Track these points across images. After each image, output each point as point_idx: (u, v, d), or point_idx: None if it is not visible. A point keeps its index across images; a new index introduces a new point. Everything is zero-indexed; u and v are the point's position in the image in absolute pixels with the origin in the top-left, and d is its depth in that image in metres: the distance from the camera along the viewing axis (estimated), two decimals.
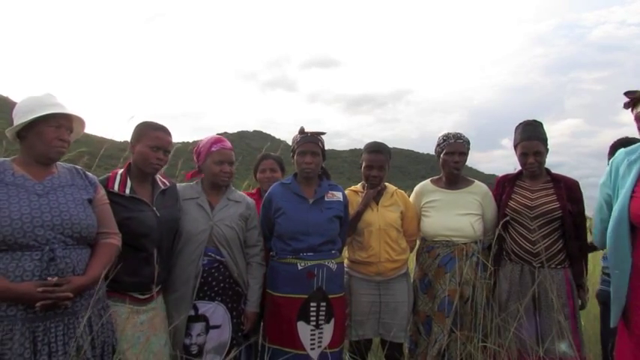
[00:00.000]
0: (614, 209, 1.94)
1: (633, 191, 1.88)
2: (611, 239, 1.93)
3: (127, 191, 2.23)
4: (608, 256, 2.02)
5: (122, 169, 2.32)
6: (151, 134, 2.29)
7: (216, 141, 2.58)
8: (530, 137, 2.66)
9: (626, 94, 1.87)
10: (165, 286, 2.41)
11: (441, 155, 2.87)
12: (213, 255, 2.44)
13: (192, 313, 2.39)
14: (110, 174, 2.26)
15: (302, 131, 2.66)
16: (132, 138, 2.34)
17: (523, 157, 2.70)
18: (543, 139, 2.68)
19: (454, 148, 2.82)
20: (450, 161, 2.82)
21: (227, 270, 2.46)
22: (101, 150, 3.46)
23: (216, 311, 2.43)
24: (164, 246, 2.30)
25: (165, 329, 2.32)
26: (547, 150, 2.71)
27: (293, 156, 2.69)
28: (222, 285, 2.46)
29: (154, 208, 2.27)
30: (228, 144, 2.60)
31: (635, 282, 1.84)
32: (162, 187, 2.40)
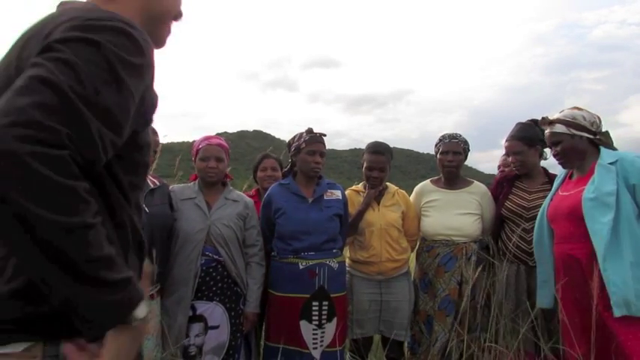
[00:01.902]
0: (540, 210, 2.47)
1: (552, 198, 2.40)
2: (535, 234, 2.46)
3: None
4: (534, 250, 2.49)
5: None
6: None
7: (203, 139, 2.62)
8: (511, 138, 2.77)
9: (542, 119, 2.36)
10: (164, 288, 2.41)
11: (437, 155, 2.93)
12: (210, 254, 2.44)
13: (191, 313, 2.40)
14: None
15: (310, 131, 2.66)
16: None
17: (506, 156, 2.84)
18: (526, 138, 2.71)
19: (448, 147, 2.87)
20: (444, 160, 2.88)
21: (225, 269, 2.46)
22: None
23: (214, 311, 2.43)
24: (156, 244, 2.29)
25: (157, 333, 2.32)
26: (538, 149, 2.73)
27: (295, 154, 2.68)
28: (220, 285, 2.46)
29: (143, 205, 2.27)
30: (215, 140, 2.61)
31: (556, 274, 2.31)
32: (152, 186, 2.40)
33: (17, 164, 0.64)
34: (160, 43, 1.07)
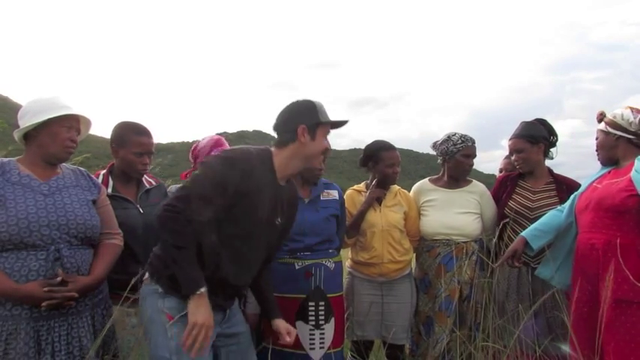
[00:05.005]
0: (570, 199, 2.43)
1: (585, 189, 2.36)
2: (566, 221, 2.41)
3: (110, 190, 2.22)
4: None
5: (104, 170, 2.31)
6: (135, 140, 2.26)
7: (216, 144, 2.54)
8: (514, 136, 2.77)
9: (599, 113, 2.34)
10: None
11: (456, 156, 2.82)
12: None
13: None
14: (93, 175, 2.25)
15: None
16: (114, 140, 2.29)
17: (509, 157, 2.85)
18: (529, 136, 2.70)
19: (471, 151, 2.85)
20: (467, 164, 2.85)
21: None
22: (102, 150, 3.47)
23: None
24: (151, 244, 2.29)
25: None
26: (541, 147, 2.71)
27: None
28: None
29: (138, 206, 2.27)
30: (227, 147, 2.56)
31: (574, 263, 2.30)
32: (148, 186, 2.38)
33: (161, 220, 1.69)
34: (315, 167, 2.20)
